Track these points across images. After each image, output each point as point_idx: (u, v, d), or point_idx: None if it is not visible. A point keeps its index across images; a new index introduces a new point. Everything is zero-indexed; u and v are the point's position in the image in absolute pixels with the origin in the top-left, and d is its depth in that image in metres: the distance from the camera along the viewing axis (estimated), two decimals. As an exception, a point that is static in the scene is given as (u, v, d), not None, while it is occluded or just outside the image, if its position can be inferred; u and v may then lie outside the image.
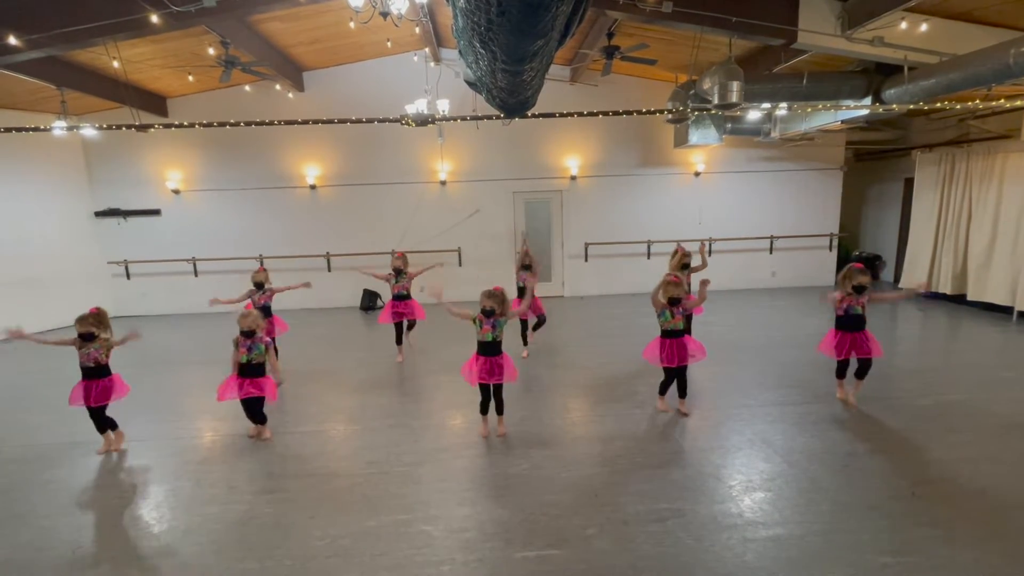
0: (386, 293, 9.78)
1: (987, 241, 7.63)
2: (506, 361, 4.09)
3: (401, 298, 6.13)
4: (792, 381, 5.16)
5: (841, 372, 4.58)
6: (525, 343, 6.30)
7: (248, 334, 4.03)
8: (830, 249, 10.36)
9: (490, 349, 4.02)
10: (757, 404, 4.66)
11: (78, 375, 4.03)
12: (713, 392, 5.02)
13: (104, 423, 4.13)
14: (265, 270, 6.03)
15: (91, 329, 3.96)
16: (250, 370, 4.08)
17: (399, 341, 6.29)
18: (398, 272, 6.08)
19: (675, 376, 4.48)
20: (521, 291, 6.07)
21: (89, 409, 4.03)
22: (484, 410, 4.20)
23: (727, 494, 3.27)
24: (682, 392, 4.53)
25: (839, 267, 10.35)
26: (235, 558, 2.83)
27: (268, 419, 4.32)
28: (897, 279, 9.64)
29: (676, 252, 5.73)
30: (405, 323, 6.29)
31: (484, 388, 4.13)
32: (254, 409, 4.17)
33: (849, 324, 4.35)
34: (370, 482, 3.56)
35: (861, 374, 4.48)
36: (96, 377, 4.02)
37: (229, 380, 4.11)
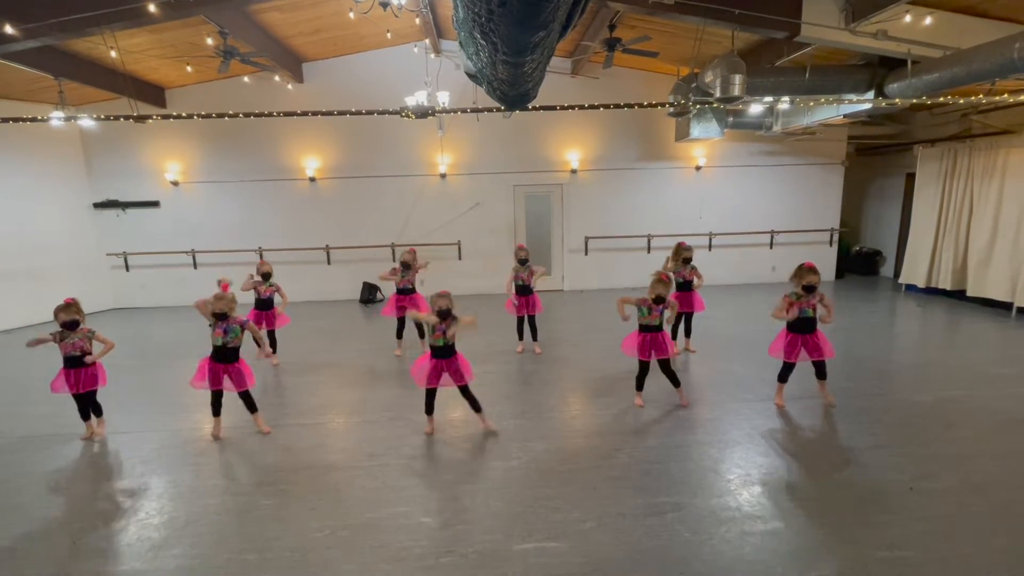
0: (386, 287, 9.83)
1: (988, 237, 7.62)
2: (461, 362, 4.03)
3: (406, 292, 6.11)
4: (791, 376, 5.14)
5: (784, 376, 4.45)
6: (521, 338, 6.29)
7: (221, 316, 3.93)
8: (831, 244, 10.34)
9: (442, 352, 3.97)
10: (756, 399, 4.66)
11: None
12: (712, 386, 5.02)
13: (94, 409, 4.23)
14: (266, 263, 6.05)
15: (75, 316, 3.97)
16: (225, 355, 4.00)
17: (399, 335, 6.29)
18: (405, 266, 6.05)
19: (648, 369, 4.49)
20: (523, 289, 6.02)
21: (77, 396, 4.09)
22: (429, 410, 4.15)
23: (725, 488, 3.28)
24: (675, 383, 4.54)
25: (839, 262, 10.36)
26: (235, 549, 2.84)
27: (267, 411, 4.33)
28: (897, 274, 9.64)
29: (677, 247, 5.72)
30: (408, 319, 6.26)
31: (429, 392, 4.08)
32: (245, 399, 4.17)
33: (801, 326, 4.26)
34: (370, 474, 3.57)
35: (821, 375, 4.39)
36: (81, 365, 4.05)
37: (202, 364, 4.02)
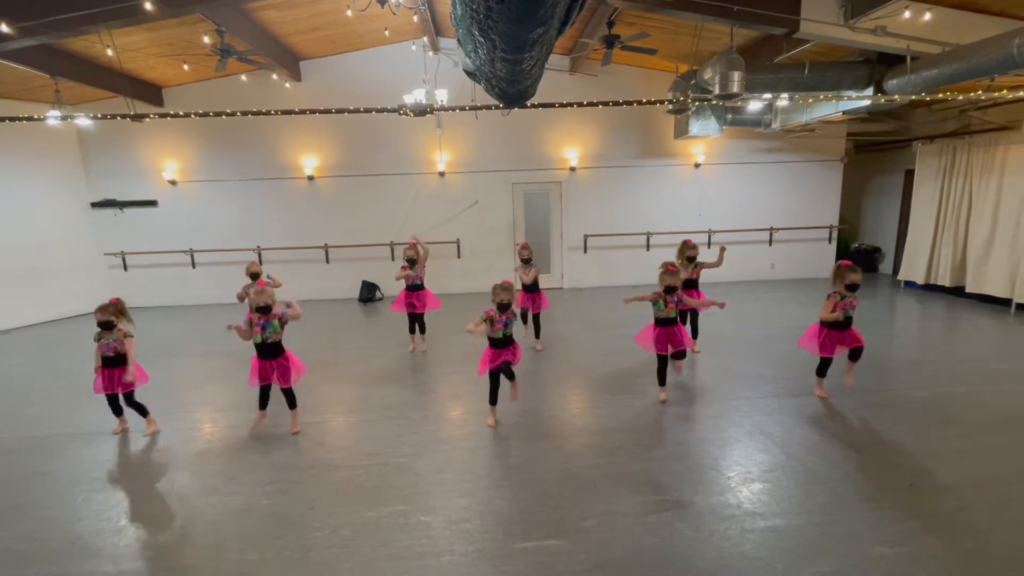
0: (386, 285, 9.82)
1: (987, 233, 7.62)
2: (516, 347, 4.14)
3: (415, 288, 6.11)
4: (790, 373, 5.16)
5: (823, 370, 4.47)
6: (537, 335, 6.29)
7: (264, 310, 3.92)
8: (829, 241, 10.34)
9: (503, 343, 4.04)
10: (756, 396, 4.66)
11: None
12: (712, 384, 5.02)
13: (138, 410, 4.24)
14: (256, 262, 6.00)
15: (110, 318, 4.00)
16: (268, 350, 3.99)
17: (412, 330, 6.30)
18: (411, 262, 6.06)
19: (668, 363, 4.52)
20: (529, 287, 6.04)
21: (117, 396, 4.13)
22: (493, 400, 4.20)
23: (726, 485, 3.28)
24: (673, 373, 4.61)
25: (838, 259, 10.36)
26: (235, 549, 2.84)
27: (269, 410, 4.28)
28: (896, 271, 9.65)
29: (682, 246, 5.68)
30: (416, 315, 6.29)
31: (494, 379, 4.12)
32: (287, 395, 4.18)
33: (837, 324, 4.26)
34: (369, 473, 3.57)
35: (855, 357, 4.38)
36: (117, 366, 4.06)
37: (252, 366, 4.04)
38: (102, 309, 4.00)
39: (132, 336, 4.11)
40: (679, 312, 4.57)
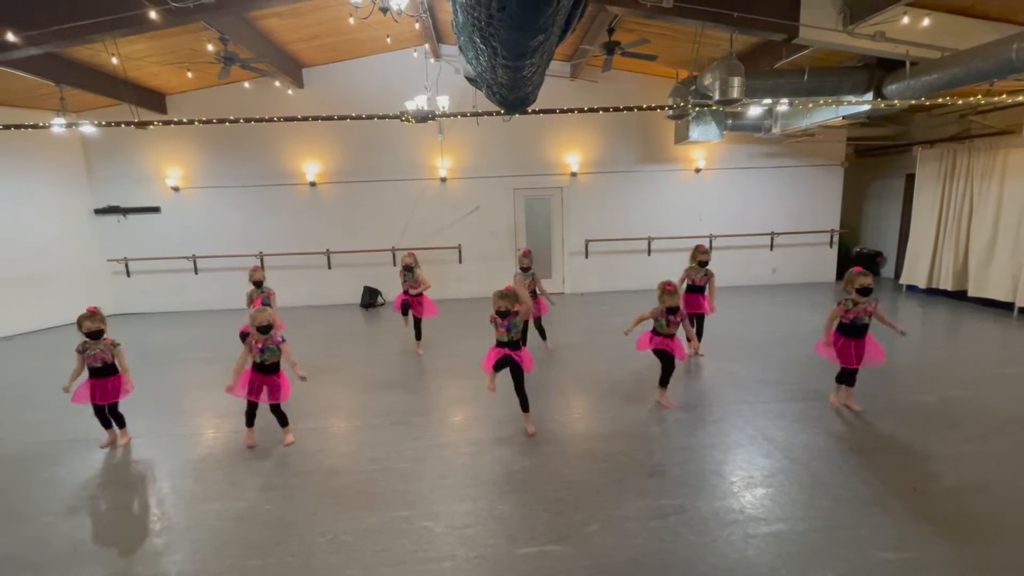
0: (387, 291, 9.84)
1: (988, 237, 7.62)
2: (524, 354, 4.08)
3: (409, 295, 6.24)
4: (793, 377, 5.15)
5: (842, 377, 4.33)
6: (544, 338, 6.31)
7: (265, 329, 3.91)
8: (831, 246, 10.35)
9: (509, 346, 4.03)
10: (758, 400, 4.65)
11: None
12: (714, 388, 5.01)
13: (116, 420, 4.20)
14: (259, 268, 6.00)
15: (100, 326, 3.97)
16: (264, 369, 3.99)
17: (405, 312, 6.42)
18: (408, 269, 6.16)
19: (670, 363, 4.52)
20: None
21: (96, 406, 4.06)
22: (525, 407, 4.15)
23: (728, 490, 3.27)
24: (663, 383, 4.56)
25: (840, 263, 10.37)
26: (237, 555, 2.83)
27: (268, 416, 4.25)
28: (898, 275, 9.64)
29: (695, 249, 5.67)
30: (413, 318, 6.39)
31: (519, 389, 4.10)
32: (276, 412, 4.12)
33: (854, 331, 4.15)
34: (371, 479, 3.56)
35: (852, 381, 4.32)
36: (104, 376, 4.03)
37: (244, 375, 4.01)
38: (91, 318, 3.94)
39: (120, 344, 4.11)
40: (689, 315, 4.54)
